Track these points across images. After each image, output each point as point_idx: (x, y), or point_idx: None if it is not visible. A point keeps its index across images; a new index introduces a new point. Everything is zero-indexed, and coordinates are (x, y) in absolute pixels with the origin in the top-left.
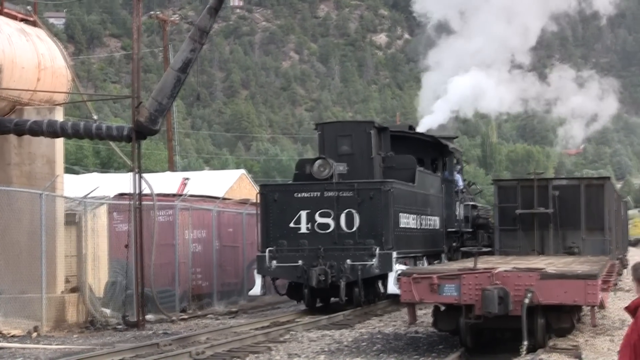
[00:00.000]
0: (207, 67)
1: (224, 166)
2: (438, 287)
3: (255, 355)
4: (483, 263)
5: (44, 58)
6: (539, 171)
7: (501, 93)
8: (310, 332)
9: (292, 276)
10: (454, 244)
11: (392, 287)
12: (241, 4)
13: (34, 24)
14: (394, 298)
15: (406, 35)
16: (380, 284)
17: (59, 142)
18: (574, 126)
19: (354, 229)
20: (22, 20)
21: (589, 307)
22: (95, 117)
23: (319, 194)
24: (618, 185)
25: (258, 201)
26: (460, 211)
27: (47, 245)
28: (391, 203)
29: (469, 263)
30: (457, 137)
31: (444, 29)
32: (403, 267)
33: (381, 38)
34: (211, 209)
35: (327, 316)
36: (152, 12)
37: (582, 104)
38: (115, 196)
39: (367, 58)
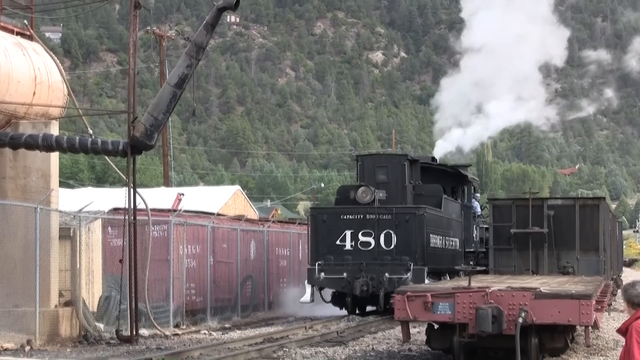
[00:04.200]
0: (203, 83)
1: (219, 182)
2: (432, 305)
3: None
4: (477, 282)
5: (40, 72)
6: (534, 191)
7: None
8: (303, 349)
9: (337, 286)
10: (471, 263)
11: None
12: (238, 20)
13: (30, 37)
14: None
15: (402, 54)
16: None
17: (54, 156)
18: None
19: (392, 247)
20: (18, 34)
21: (582, 327)
22: (90, 131)
23: (362, 216)
24: (613, 206)
25: (308, 221)
26: (476, 233)
27: (41, 259)
28: (424, 226)
29: (463, 282)
30: (470, 165)
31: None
32: (432, 280)
33: (377, 56)
34: (206, 224)
35: (320, 333)
36: (148, 28)
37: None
38: (110, 211)
39: (363, 76)
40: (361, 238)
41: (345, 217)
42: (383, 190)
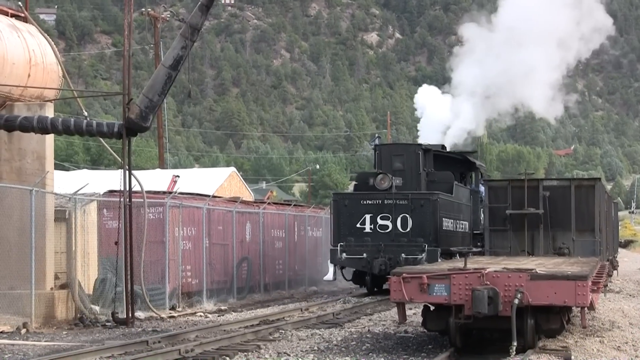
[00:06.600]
0: (198, 65)
1: (214, 164)
2: (428, 287)
3: (244, 353)
4: (473, 263)
5: (35, 54)
6: (530, 172)
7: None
8: (299, 330)
9: (357, 265)
10: (479, 244)
11: None
12: (232, 1)
13: (24, 19)
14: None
15: (397, 35)
16: None
17: (49, 138)
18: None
19: (408, 229)
20: (13, 15)
21: (578, 308)
22: (85, 113)
23: (380, 201)
24: (608, 187)
25: (331, 206)
26: (483, 216)
27: (36, 241)
28: (437, 210)
29: (459, 263)
30: (476, 151)
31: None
32: (444, 260)
33: (372, 37)
34: (201, 206)
35: (316, 315)
36: (143, 9)
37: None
38: (105, 193)
39: (358, 57)
40: (379, 221)
41: (365, 202)
42: (399, 177)
